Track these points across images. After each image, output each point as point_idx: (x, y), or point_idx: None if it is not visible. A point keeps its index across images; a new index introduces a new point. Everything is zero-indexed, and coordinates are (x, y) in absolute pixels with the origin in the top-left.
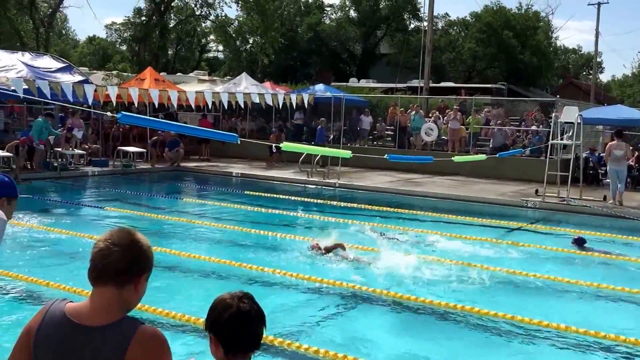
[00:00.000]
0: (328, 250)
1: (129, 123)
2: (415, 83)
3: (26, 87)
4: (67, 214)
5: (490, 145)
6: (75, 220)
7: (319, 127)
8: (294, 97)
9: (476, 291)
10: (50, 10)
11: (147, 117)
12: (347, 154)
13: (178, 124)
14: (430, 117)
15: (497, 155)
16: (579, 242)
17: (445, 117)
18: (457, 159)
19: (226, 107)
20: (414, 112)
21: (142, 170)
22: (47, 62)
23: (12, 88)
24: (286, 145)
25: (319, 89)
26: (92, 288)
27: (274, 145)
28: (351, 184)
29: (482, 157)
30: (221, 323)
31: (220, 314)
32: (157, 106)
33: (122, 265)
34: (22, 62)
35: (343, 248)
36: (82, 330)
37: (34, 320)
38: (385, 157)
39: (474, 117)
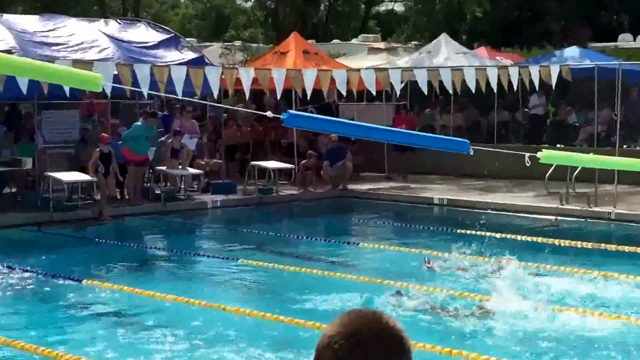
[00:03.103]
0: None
1: (298, 127)
2: None
3: (116, 73)
4: (180, 273)
5: None
6: (195, 283)
7: None
8: (534, 71)
9: None
10: None
11: (325, 117)
12: None
13: (372, 125)
14: None
15: None
16: None
17: None
18: None
19: (425, 92)
20: None
21: (287, 197)
22: (141, 34)
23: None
24: (547, 157)
25: (571, 54)
26: None
27: None
28: (637, 214)
29: None
30: None
31: None
32: (309, 95)
33: None
34: (107, 35)
35: None
36: None
37: None
38: None
39: None
